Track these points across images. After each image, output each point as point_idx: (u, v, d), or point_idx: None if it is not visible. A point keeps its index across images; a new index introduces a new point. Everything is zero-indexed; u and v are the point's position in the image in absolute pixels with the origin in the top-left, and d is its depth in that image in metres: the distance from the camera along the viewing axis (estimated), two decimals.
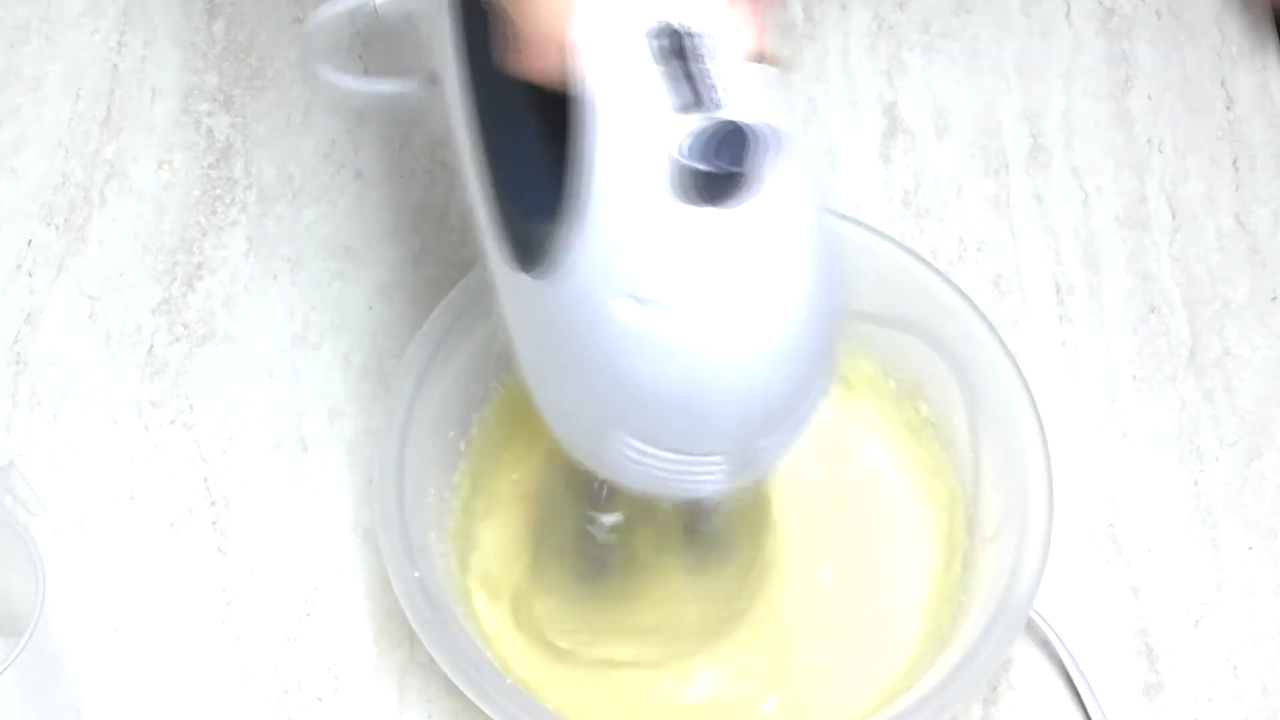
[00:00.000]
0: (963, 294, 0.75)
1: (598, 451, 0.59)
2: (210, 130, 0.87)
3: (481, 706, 0.66)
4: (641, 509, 0.67)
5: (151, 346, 0.81)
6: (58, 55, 0.89)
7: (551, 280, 0.56)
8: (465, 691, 0.66)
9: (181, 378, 0.81)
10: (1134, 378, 0.82)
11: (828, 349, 0.58)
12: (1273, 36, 0.92)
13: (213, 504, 0.78)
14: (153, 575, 0.76)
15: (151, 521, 0.77)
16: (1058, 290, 0.84)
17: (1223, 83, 0.90)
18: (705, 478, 0.58)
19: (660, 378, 0.55)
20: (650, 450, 0.57)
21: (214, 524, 0.77)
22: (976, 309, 0.75)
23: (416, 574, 0.68)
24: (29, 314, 0.82)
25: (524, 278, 0.58)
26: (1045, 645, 0.75)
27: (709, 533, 0.71)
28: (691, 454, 0.57)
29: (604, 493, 0.67)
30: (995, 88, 0.90)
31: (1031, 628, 0.75)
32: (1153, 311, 0.84)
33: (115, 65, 0.89)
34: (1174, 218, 0.86)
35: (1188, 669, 0.75)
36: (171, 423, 0.80)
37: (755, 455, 0.59)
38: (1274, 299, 0.84)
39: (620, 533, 0.69)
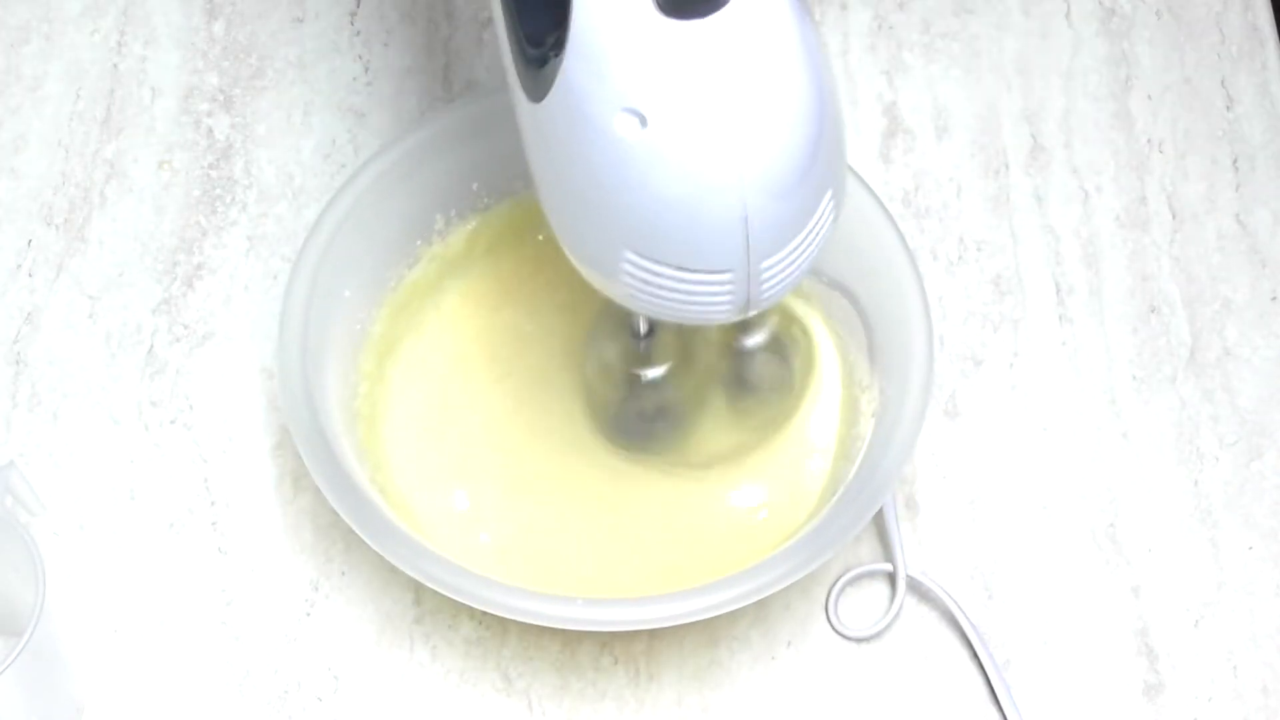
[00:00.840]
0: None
1: (611, 274, 0.61)
2: (210, 130, 0.87)
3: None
4: (685, 362, 0.72)
5: (151, 346, 0.81)
6: (58, 55, 0.89)
7: (553, 102, 0.59)
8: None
9: (181, 378, 0.81)
10: (1134, 378, 0.82)
11: (824, 164, 0.60)
12: (1273, 36, 0.91)
13: (213, 504, 0.78)
14: (153, 575, 0.76)
15: (151, 521, 0.77)
16: (1058, 290, 0.84)
17: (1223, 83, 0.90)
18: (714, 299, 0.61)
19: (655, 190, 0.58)
20: (655, 268, 0.60)
21: (214, 524, 0.77)
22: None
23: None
24: (29, 314, 0.82)
25: (536, 106, 0.61)
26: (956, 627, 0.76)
27: (752, 382, 0.75)
28: (695, 271, 0.59)
29: (647, 348, 0.72)
30: (995, 88, 0.90)
31: (941, 609, 0.75)
32: (1153, 311, 0.84)
33: (115, 65, 0.89)
34: (1174, 218, 0.86)
35: (1188, 669, 0.75)
36: (172, 423, 0.80)
37: (760, 279, 0.60)
38: (1274, 299, 0.84)
39: (666, 390, 0.74)
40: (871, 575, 0.77)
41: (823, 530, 0.71)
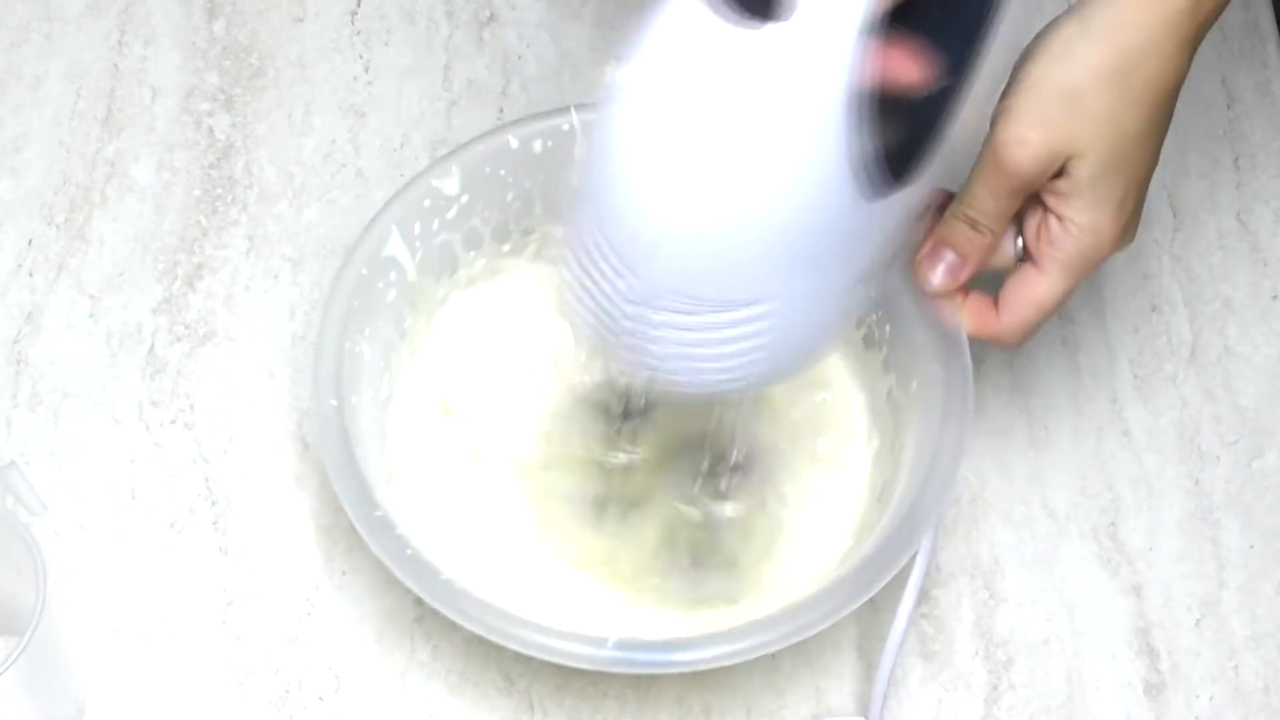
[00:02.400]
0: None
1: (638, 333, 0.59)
2: (211, 130, 0.87)
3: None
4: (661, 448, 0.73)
5: (152, 346, 0.82)
6: (58, 54, 0.89)
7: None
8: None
9: (182, 377, 0.81)
10: (1135, 376, 0.82)
11: (754, 267, 0.57)
12: (1273, 34, 0.91)
13: (214, 504, 0.78)
14: (154, 575, 0.76)
15: (152, 521, 0.77)
16: None
17: (1223, 81, 0.90)
18: (743, 345, 0.58)
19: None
20: (688, 307, 0.57)
21: (215, 524, 0.77)
22: None
23: (378, 513, 0.70)
24: (30, 313, 0.82)
25: None
26: None
27: (723, 486, 0.73)
28: (725, 307, 0.57)
29: (625, 429, 0.73)
30: None
31: None
32: (1154, 310, 0.84)
33: (116, 65, 0.89)
34: (1175, 216, 0.86)
35: (1189, 668, 0.75)
36: (172, 422, 0.80)
37: (623, 328, 0.58)
38: (1275, 297, 0.84)
39: (637, 473, 0.73)
40: None
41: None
